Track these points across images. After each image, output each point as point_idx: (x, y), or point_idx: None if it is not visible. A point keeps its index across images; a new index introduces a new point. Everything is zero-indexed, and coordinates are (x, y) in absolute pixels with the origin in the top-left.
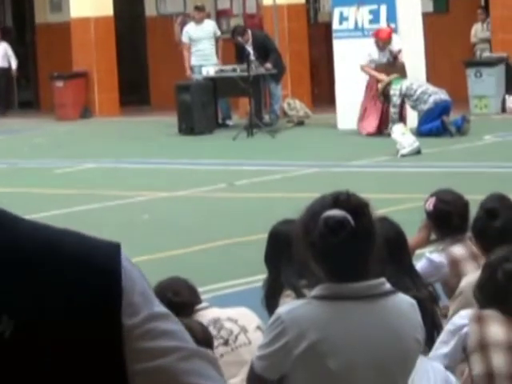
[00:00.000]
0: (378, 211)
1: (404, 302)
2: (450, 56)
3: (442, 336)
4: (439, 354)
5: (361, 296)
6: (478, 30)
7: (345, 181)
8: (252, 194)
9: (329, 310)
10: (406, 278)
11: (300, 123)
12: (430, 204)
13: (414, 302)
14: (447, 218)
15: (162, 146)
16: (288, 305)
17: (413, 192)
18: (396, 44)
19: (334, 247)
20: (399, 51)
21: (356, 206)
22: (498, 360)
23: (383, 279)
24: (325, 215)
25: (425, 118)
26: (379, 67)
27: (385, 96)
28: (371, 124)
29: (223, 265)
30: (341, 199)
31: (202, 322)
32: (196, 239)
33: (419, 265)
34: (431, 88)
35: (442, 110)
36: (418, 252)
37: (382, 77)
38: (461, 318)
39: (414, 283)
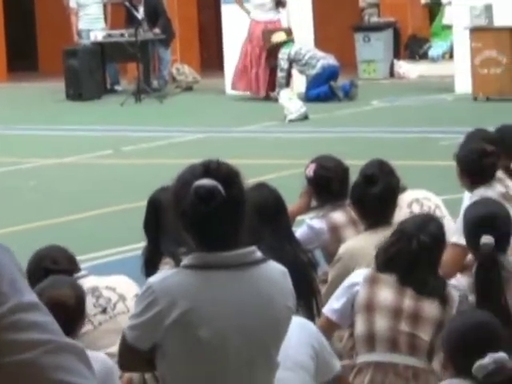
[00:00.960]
0: (262, 177)
1: (275, 270)
2: (338, 21)
3: (337, 291)
4: (330, 309)
5: (231, 265)
6: None
7: (230, 147)
8: (138, 161)
9: (199, 279)
10: (285, 243)
11: (188, 88)
12: (310, 170)
13: (285, 269)
14: (327, 183)
15: (49, 113)
16: (159, 274)
17: (298, 158)
18: None
19: (204, 216)
20: None
21: (226, 175)
22: (381, 323)
23: (253, 248)
24: (195, 185)
25: (312, 83)
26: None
27: (272, 57)
28: (260, 87)
29: (107, 232)
30: (211, 168)
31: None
32: (81, 206)
33: (299, 231)
34: (319, 53)
35: (329, 74)
36: (299, 218)
37: (249, 12)
38: (356, 276)
39: (292, 249)
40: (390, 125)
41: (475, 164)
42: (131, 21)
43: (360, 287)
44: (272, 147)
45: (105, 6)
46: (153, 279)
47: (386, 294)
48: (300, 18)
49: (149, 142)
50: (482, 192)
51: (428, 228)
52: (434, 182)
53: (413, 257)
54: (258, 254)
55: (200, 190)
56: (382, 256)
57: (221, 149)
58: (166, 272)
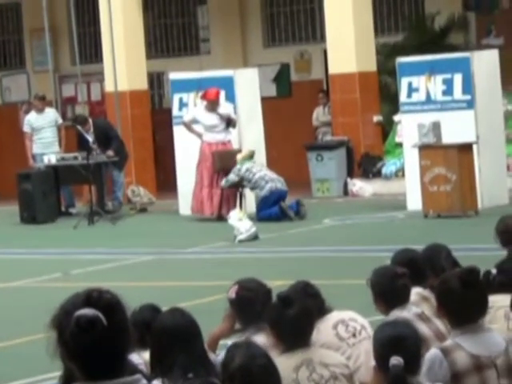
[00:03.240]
0: (205, 299)
1: None
2: (293, 139)
3: None
4: None
5: None
6: (319, 114)
7: (180, 268)
8: (85, 283)
9: None
10: (198, 366)
11: (143, 210)
12: (232, 292)
13: None
14: (250, 305)
15: (2, 236)
16: None
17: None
18: (224, 108)
19: (85, 346)
20: (228, 115)
21: (108, 304)
22: None
23: (138, 375)
24: (76, 314)
25: (261, 204)
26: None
27: (225, 177)
28: (213, 207)
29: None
30: (93, 297)
31: None
32: (22, 330)
33: (220, 355)
34: (269, 174)
35: (277, 197)
36: (222, 342)
37: (201, 135)
38: None
39: (207, 371)
40: (340, 243)
41: (388, 287)
42: (83, 144)
43: None
44: (220, 268)
45: (59, 129)
46: None
47: None
48: (252, 137)
49: (98, 265)
50: (397, 314)
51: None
52: None
53: None
54: (143, 382)
55: (80, 320)
56: None
57: (170, 270)
58: None
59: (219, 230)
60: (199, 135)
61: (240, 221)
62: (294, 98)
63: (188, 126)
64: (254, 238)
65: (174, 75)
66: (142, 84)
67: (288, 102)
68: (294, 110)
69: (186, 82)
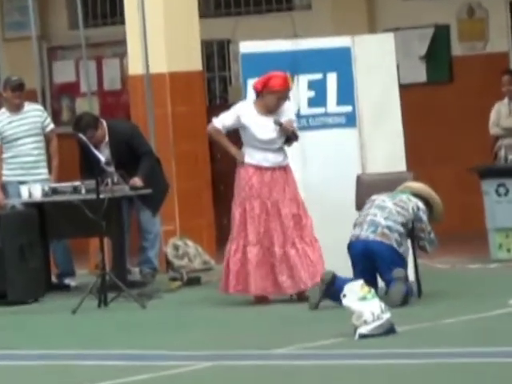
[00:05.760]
0: None
1: None
2: (453, 157)
3: None
4: None
5: None
6: (502, 113)
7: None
8: None
9: None
10: None
11: (193, 281)
12: None
13: None
14: None
15: None
16: None
17: None
18: (288, 111)
19: None
20: (291, 122)
21: None
22: None
23: None
24: None
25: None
26: None
27: None
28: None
29: None
30: None
31: None
32: None
33: None
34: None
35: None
36: None
37: (241, 154)
38: None
39: None
40: None
41: None
42: (89, 165)
43: None
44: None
45: (48, 139)
46: None
47: None
48: (383, 151)
49: (119, 378)
50: None
51: None
52: None
53: None
54: None
55: None
56: None
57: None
58: None
59: (322, 318)
60: (238, 153)
61: (363, 301)
62: (457, 85)
63: (217, 134)
64: (388, 331)
65: (246, 46)
66: (194, 62)
67: (446, 93)
68: (456, 106)
69: (269, 56)
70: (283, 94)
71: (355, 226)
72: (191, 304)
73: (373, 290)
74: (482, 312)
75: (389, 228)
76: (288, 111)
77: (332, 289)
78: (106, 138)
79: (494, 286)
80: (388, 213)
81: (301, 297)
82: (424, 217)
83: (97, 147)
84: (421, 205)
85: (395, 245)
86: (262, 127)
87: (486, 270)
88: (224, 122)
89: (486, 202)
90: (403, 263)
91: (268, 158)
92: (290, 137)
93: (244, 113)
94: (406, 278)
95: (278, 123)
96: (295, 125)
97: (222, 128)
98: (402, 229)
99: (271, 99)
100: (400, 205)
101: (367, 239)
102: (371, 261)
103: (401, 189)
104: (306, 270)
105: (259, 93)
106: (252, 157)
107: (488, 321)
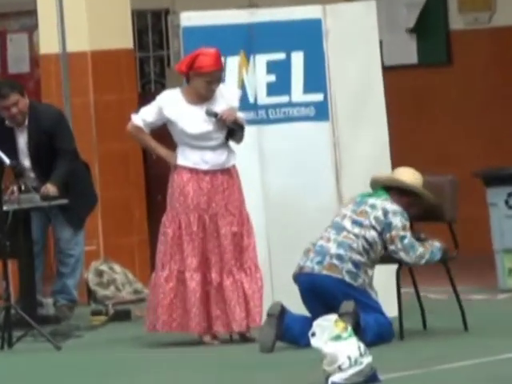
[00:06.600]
0: None
1: None
2: (451, 158)
3: None
4: None
5: None
6: None
7: None
8: None
9: None
10: None
11: (121, 315)
12: None
13: None
14: None
15: None
16: None
17: None
18: (225, 99)
19: None
20: (232, 110)
21: None
22: None
23: None
24: None
25: None
26: None
27: None
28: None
29: None
30: None
31: None
32: None
33: None
34: None
35: None
36: None
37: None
38: None
39: None
40: None
41: None
42: None
43: None
44: None
45: None
46: None
47: None
48: (362, 149)
49: None
50: None
51: None
52: None
53: None
54: None
55: None
56: None
57: None
58: None
59: (280, 363)
60: (168, 155)
61: (337, 341)
62: (456, 67)
63: (138, 133)
64: (369, 379)
65: (189, 18)
66: (123, 38)
67: (442, 78)
68: (456, 93)
69: (217, 31)
70: (214, 76)
71: (304, 252)
72: (118, 344)
73: (350, 328)
74: (487, 356)
75: (339, 258)
76: (229, 97)
77: (281, 326)
78: (26, 122)
79: (502, 322)
80: (343, 236)
81: (244, 337)
82: (395, 220)
83: (14, 131)
84: (389, 206)
85: (347, 278)
86: (192, 119)
87: (492, 302)
88: (145, 118)
89: (492, 216)
90: (363, 298)
91: (206, 159)
92: (232, 129)
93: (167, 103)
94: (356, 312)
95: (212, 113)
96: (240, 114)
97: (144, 125)
98: (358, 257)
99: (200, 83)
100: (359, 221)
101: (312, 272)
102: (322, 297)
103: (371, 185)
104: (241, 307)
105: (186, 76)
106: (186, 158)
107: (494, 367)
